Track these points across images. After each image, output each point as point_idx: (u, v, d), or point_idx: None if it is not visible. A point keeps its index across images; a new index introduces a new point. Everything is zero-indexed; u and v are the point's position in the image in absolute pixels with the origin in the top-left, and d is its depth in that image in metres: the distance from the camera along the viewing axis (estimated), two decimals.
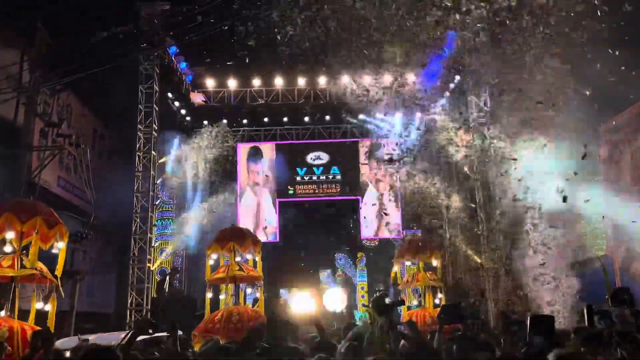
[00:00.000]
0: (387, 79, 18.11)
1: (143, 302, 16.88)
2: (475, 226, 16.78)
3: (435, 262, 13.88)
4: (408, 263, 15.19)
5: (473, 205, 16.71)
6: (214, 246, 12.54)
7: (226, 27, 16.19)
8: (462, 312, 7.97)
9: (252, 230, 18.61)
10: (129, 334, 4.35)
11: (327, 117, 20.98)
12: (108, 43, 16.07)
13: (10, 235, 9.64)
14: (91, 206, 17.90)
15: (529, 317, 4.62)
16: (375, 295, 13.68)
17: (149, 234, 17.33)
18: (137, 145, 17.79)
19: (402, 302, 12.83)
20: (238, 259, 12.47)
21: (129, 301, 16.84)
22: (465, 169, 16.96)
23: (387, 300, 12.60)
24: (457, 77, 17.50)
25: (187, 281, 19.97)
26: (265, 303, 13.19)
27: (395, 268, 15.03)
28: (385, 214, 20.63)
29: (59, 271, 9.73)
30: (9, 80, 14.79)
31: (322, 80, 19.46)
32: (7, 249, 9.74)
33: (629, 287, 5.87)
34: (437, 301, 13.58)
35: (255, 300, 14.13)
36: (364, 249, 22.10)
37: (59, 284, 9.69)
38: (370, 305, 12.98)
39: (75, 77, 15.78)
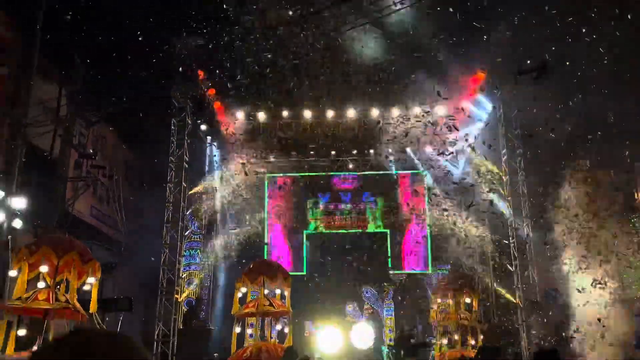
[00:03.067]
0: (416, 110, 18.20)
1: (170, 333, 16.83)
2: (507, 263, 16.44)
3: (469, 300, 13.58)
4: (440, 300, 14.88)
5: (506, 242, 16.41)
6: (244, 279, 12.49)
7: (255, 66, 16.57)
8: (500, 354, 7.72)
9: (278, 262, 18.64)
10: None
11: (355, 151, 20.96)
12: (142, 77, 16.49)
13: (44, 269, 9.77)
14: (122, 234, 18.11)
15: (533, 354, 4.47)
16: (399, 334, 13.45)
17: (177, 265, 17.38)
18: (168, 177, 18.01)
19: (429, 344, 12.60)
20: (268, 292, 12.39)
21: (156, 332, 16.81)
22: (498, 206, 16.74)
23: (412, 341, 12.33)
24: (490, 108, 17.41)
25: (214, 314, 19.88)
26: (294, 338, 13.01)
27: (434, 306, 14.58)
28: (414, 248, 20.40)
29: (92, 307, 9.80)
30: (46, 113, 15.21)
31: (350, 113, 19.51)
32: (41, 284, 9.87)
33: None
34: (472, 342, 13.22)
35: (281, 335, 13.99)
36: (393, 282, 21.78)
37: (97, 319, 9.76)
38: (394, 345, 12.70)
39: (110, 109, 16.22)
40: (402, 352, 10.69)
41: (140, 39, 16.53)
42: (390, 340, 20.15)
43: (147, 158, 19.48)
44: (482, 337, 13.23)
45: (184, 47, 17.47)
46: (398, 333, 11.75)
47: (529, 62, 12.47)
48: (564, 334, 13.30)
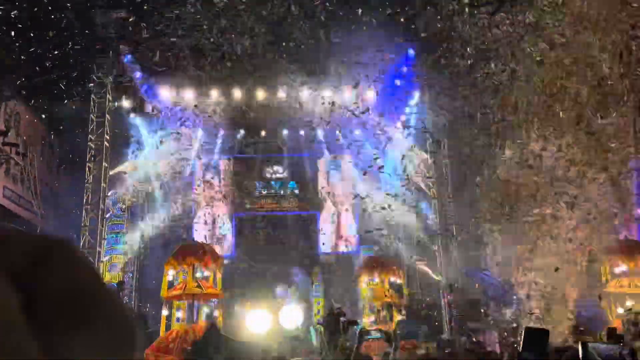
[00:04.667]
0: (347, 95, 18.35)
1: None
2: (432, 243, 17.03)
3: (397, 280, 13.98)
4: (367, 280, 15.22)
5: (430, 223, 16.98)
6: (172, 262, 12.21)
7: (181, 38, 16.03)
8: (418, 328, 8.02)
9: (209, 244, 18.30)
10: None
11: (285, 131, 20.85)
12: (60, 50, 15.54)
13: None
14: (38, 217, 17.14)
15: (523, 330, 4.65)
16: (328, 312, 13.66)
17: (97, 248, 16.69)
18: (88, 157, 17.19)
19: (356, 322, 12.86)
20: (198, 275, 12.17)
21: None
22: (422, 186, 17.24)
23: (342, 320, 12.54)
24: (417, 94, 17.79)
25: (139, 297, 19.27)
26: (224, 320, 12.89)
27: (362, 285, 14.93)
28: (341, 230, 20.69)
29: None
30: None
31: (281, 93, 19.34)
32: None
33: None
34: (399, 318, 13.65)
35: (209, 318, 13.79)
36: (321, 264, 21.98)
37: None
38: (323, 324, 12.87)
39: (24, 84, 15.17)
40: (331, 331, 10.85)
41: (58, 9, 15.57)
42: (318, 320, 20.36)
43: (65, 136, 18.46)
44: (405, 313, 13.70)
45: (105, 20, 16.60)
46: (327, 312, 11.92)
47: None
48: (483, 311, 13.95)
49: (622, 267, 12.63)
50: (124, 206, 19.09)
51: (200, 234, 19.84)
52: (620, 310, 12.03)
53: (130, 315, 0.68)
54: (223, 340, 7.29)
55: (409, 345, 8.99)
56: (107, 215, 18.11)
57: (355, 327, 11.64)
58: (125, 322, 0.66)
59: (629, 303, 11.76)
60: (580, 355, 4.34)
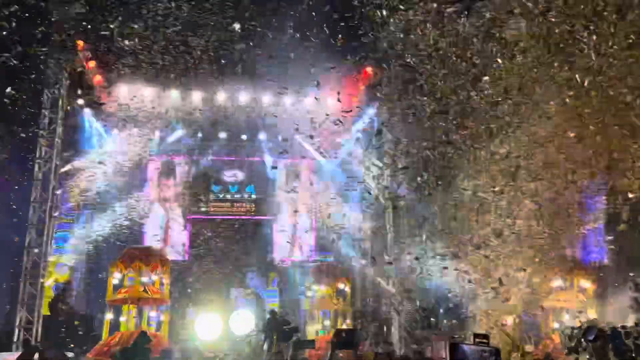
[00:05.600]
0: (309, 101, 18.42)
1: (34, 320, 15.72)
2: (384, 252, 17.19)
3: (344, 287, 14.06)
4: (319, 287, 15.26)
5: (383, 232, 17.14)
6: (119, 265, 11.97)
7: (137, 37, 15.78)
8: (354, 337, 8.00)
9: (159, 247, 18.00)
10: None
11: (244, 136, 20.74)
12: (14, 41, 15.07)
13: None
14: None
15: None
16: (270, 319, 13.64)
17: (44, 248, 16.24)
18: (38, 152, 16.74)
19: (297, 330, 12.90)
20: (145, 279, 11.95)
21: (19, 318, 15.64)
22: (375, 194, 17.38)
23: (285, 327, 12.48)
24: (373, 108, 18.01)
25: (86, 299, 18.77)
26: (170, 326, 12.69)
27: (309, 293, 15.00)
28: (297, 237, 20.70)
29: None
30: None
31: (242, 97, 19.23)
32: None
33: None
34: (344, 326, 13.73)
35: (160, 324, 13.57)
36: (277, 270, 21.91)
37: None
38: (265, 330, 12.79)
39: None
40: (274, 337, 10.82)
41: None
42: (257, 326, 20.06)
43: (15, 131, 17.87)
44: (350, 322, 13.80)
45: (61, 13, 16.19)
46: (269, 318, 11.88)
47: None
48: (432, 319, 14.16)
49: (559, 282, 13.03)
50: (74, 205, 18.61)
51: (152, 235, 19.48)
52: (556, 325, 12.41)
53: None
54: (149, 349, 7.31)
55: (342, 354, 9.02)
56: (56, 214, 17.62)
57: (299, 333, 11.70)
58: None
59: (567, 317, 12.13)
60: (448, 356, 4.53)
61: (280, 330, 10.82)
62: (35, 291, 15.84)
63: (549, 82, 9.83)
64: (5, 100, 16.35)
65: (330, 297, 14.03)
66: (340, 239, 18.42)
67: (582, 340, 10.00)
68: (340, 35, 14.51)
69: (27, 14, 15.21)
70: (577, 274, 13.45)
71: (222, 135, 20.52)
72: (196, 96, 19.01)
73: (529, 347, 12.20)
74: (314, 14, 15.21)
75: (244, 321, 19.90)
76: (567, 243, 13.99)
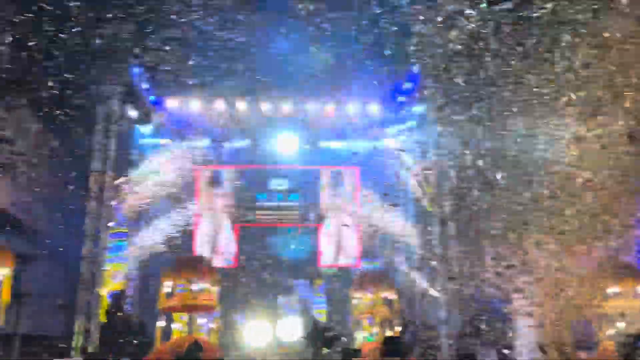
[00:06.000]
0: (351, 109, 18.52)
1: (91, 328, 16.35)
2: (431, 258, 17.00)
3: (390, 295, 13.99)
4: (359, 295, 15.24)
5: (429, 238, 16.96)
6: (169, 273, 12.33)
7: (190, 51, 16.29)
8: (403, 345, 7.95)
9: (208, 256, 18.42)
10: None
11: (287, 144, 20.96)
12: (69, 60, 15.79)
13: None
14: (43, 224, 17.38)
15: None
16: (312, 326, 13.72)
17: (100, 257, 16.88)
18: (93, 166, 17.43)
19: (339, 338, 12.93)
20: (194, 287, 12.27)
21: (77, 326, 16.29)
22: (424, 202, 17.25)
23: (326, 335, 12.53)
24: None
25: (140, 307, 19.38)
26: (220, 333, 12.98)
27: (354, 301, 14.99)
28: (342, 242, 20.73)
29: (4, 298, 9.43)
30: None
31: (286, 105, 19.49)
32: None
33: None
34: (390, 334, 13.65)
35: (209, 331, 13.88)
36: (323, 277, 22.01)
37: (2, 310, 9.39)
38: (307, 337, 12.86)
39: (33, 94, 15.44)
40: (317, 344, 10.88)
41: (68, 21, 15.87)
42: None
43: (72, 145, 18.70)
44: (398, 330, 13.70)
45: (114, 31, 16.87)
46: (312, 326, 11.96)
47: None
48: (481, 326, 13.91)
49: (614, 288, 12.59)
50: (127, 215, 19.27)
51: (201, 244, 19.95)
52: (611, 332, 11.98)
53: None
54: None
55: None
56: (110, 224, 18.28)
57: (341, 340, 11.74)
58: None
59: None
60: None
61: (322, 338, 10.88)
62: (92, 300, 16.46)
63: None
64: (61, 116, 17.21)
65: (376, 304, 13.99)
66: (387, 246, 18.34)
67: (636, 347, 9.67)
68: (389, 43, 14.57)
69: (79, 32, 15.98)
70: (634, 279, 12.94)
71: (267, 143, 20.85)
72: (241, 106, 19.39)
73: (582, 354, 11.85)
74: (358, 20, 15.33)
75: (291, 328, 20.15)
76: (624, 247, 13.52)
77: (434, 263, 17.01)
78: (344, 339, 12.86)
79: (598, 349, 12.31)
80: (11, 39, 14.83)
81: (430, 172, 17.85)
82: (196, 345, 8.95)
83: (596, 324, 12.40)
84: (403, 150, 18.15)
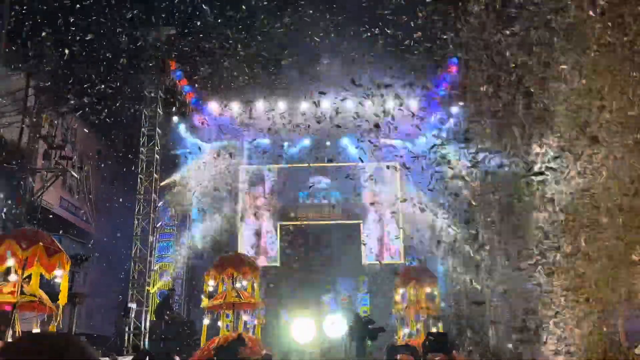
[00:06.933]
0: (389, 104, 18.30)
1: (141, 326, 16.83)
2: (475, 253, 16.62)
3: (432, 291, 13.81)
4: (403, 290, 15.10)
5: (473, 232, 16.59)
6: (213, 273, 12.54)
7: (229, 53, 16.51)
8: (446, 341, 7.83)
9: (252, 255, 18.66)
10: None
11: (328, 142, 20.97)
12: (114, 67, 16.30)
13: (11, 262, 9.72)
14: (93, 226, 18.00)
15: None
16: (355, 319, 13.71)
17: (148, 257, 17.34)
18: (140, 168, 17.91)
19: (383, 329, 12.86)
20: (237, 285, 12.45)
21: (128, 324, 16.80)
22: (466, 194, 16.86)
23: (369, 327, 12.41)
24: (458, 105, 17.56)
25: (187, 305, 19.87)
26: (264, 330, 13.13)
27: (397, 296, 14.88)
28: (384, 239, 20.59)
29: (61, 300, 9.79)
30: (14, 103, 15.00)
31: (325, 104, 19.49)
32: (13, 277, 9.81)
33: None
34: (434, 330, 13.47)
35: (254, 327, 14.06)
36: (367, 273, 21.94)
37: (60, 311, 9.75)
38: (351, 330, 12.82)
39: (80, 100, 16.03)
40: (363, 337, 10.90)
41: (111, 28, 16.36)
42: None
43: (118, 149, 19.32)
44: (441, 324, 13.50)
45: (155, 37, 17.31)
46: (354, 318, 11.95)
47: None
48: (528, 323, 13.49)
49: None
50: (174, 215, 19.75)
51: (245, 243, 20.23)
52: None
53: None
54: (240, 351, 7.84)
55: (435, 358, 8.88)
56: (158, 225, 18.79)
57: (384, 332, 11.70)
58: None
59: None
60: None
61: (366, 331, 10.86)
62: (142, 299, 16.94)
63: None
64: (107, 120, 17.77)
65: (420, 300, 13.83)
66: (430, 241, 18.09)
67: None
68: (418, 32, 14.31)
69: (122, 38, 16.46)
70: None
71: (307, 142, 20.93)
72: (281, 105, 19.52)
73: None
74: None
75: (336, 325, 20.17)
76: None
77: (478, 258, 16.65)
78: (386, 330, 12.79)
79: None
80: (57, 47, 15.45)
81: (475, 168, 17.49)
82: (239, 339, 9.20)
83: None
84: (445, 145, 17.85)
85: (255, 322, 13.62)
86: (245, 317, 13.58)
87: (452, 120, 18.24)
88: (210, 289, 12.71)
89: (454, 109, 18.05)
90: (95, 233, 17.87)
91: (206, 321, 12.77)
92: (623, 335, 11.21)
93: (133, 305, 16.77)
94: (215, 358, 9.94)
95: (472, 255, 16.81)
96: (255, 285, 12.77)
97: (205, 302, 12.62)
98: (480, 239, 16.80)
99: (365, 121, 17.88)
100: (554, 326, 11.85)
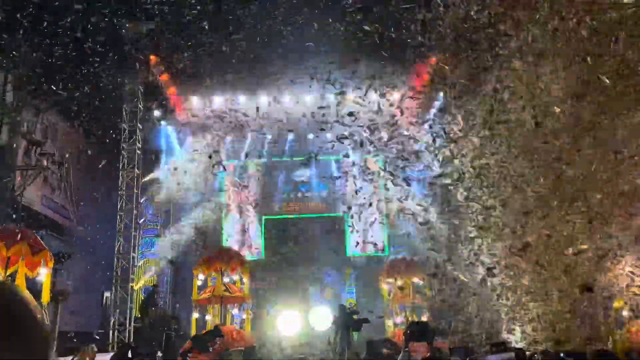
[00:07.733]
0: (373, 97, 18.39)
1: (126, 322, 16.72)
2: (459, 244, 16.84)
3: (417, 280, 13.99)
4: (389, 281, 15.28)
5: (457, 223, 16.79)
6: (201, 267, 12.54)
7: (210, 47, 16.42)
8: (428, 330, 7.95)
9: (237, 249, 18.64)
10: None
11: (310, 136, 20.99)
12: (93, 63, 16.08)
13: None
14: (75, 223, 17.78)
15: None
16: (340, 311, 13.86)
17: (132, 253, 17.21)
18: (121, 164, 17.73)
19: (367, 320, 13.04)
20: (226, 279, 12.46)
21: (112, 321, 16.68)
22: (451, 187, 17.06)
23: (354, 317, 12.57)
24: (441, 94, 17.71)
25: (173, 300, 19.77)
26: (252, 324, 13.17)
27: (385, 287, 15.06)
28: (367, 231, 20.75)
29: (44, 298, 9.68)
30: None
31: (308, 99, 19.51)
32: None
33: None
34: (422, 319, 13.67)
35: (242, 321, 14.09)
36: (352, 265, 22.09)
37: (43, 309, 9.64)
38: (337, 323, 12.97)
39: (59, 96, 15.78)
40: (347, 327, 11.03)
41: (90, 23, 16.12)
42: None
43: (99, 145, 19.09)
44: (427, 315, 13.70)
45: (134, 31, 17.11)
46: (339, 310, 12.09)
47: None
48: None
49: None
50: (157, 211, 19.60)
51: (230, 237, 20.19)
52: None
53: (46, 333, 1.16)
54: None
55: (422, 348, 9.02)
56: (141, 221, 18.64)
57: (367, 324, 11.86)
58: (40, 337, 1.10)
59: None
60: None
61: (350, 322, 10.99)
62: (126, 295, 16.82)
63: None
64: (88, 116, 17.54)
65: (406, 291, 14.01)
66: (416, 234, 18.26)
67: None
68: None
69: (101, 33, 16.25)
70: None
71: (290, 136, 20.93)
72: (263, 99, 19.48)
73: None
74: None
75: (322, 317, 20.29)
76: None
77: (465, 252, 16.88)
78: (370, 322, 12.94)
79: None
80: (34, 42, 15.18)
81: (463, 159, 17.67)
82: (215, 329, 9.59)
83: None
84: (433, 138, 18.02)
85: (244, 315, 13.66)
86: (234, 311, 13.62)
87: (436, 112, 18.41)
88: (199, 282, 12.72)
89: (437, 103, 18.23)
90: (77, 230, 17.64)
91: (195, 315, 12.78)
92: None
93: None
94: (191, 347, 10.13)
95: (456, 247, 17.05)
96: (244, 279, 12.81)
97: (194, 295, 12.63)
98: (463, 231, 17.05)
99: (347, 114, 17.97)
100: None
